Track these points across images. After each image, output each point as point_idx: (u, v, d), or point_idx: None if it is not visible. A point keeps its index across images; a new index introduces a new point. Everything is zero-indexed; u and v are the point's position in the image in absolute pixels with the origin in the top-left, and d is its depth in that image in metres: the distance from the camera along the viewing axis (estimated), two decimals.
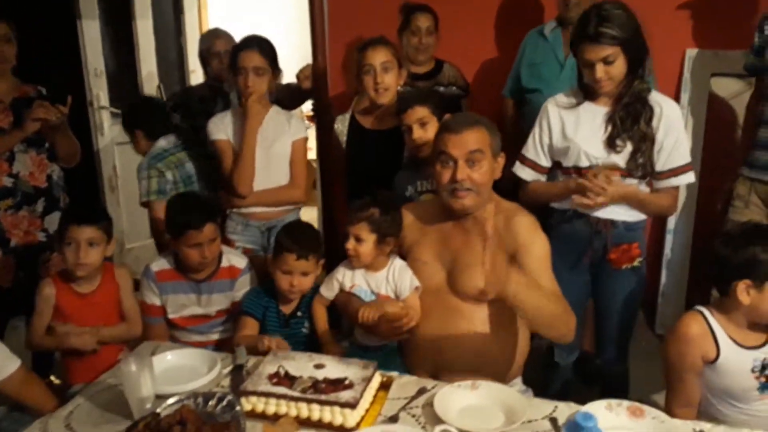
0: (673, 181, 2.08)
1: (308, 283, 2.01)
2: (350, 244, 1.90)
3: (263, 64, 2.34)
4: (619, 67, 1.95)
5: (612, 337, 2.23)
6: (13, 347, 1.80)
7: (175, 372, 1.70)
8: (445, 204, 1.84)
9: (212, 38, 2.93)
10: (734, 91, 3.17)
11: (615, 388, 2.17)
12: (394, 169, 2.29)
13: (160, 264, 2.15)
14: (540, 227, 1.85)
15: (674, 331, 1.70)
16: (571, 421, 1.38)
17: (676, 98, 3.20)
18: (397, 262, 1.95)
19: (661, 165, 2.05)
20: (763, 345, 1.65)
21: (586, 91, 2.08)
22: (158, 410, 1.47)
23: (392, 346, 1.95)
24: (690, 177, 2.08)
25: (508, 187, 2.19)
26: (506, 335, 1.85)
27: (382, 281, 1.94)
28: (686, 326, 1.67)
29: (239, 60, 2.34)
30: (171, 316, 2.13)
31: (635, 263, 2.11)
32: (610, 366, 2.27)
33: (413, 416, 1.52)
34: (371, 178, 2.23)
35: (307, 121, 2.67)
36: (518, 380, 1.93)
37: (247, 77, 2.32)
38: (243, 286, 2.16)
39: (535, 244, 1.81)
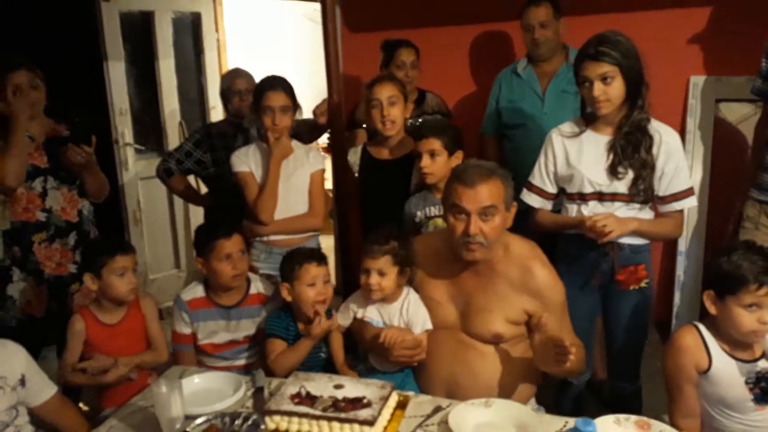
0: (676, 206, 2.16)
1: (331, 291, 2.09)
2: (374, 279, 1.94)
3: (287, 102, 2.48)
4: (617, 88, 2.03)
5: (623, 356, 2.28)
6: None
7: (202, 394, 1.79)
8: (457, 253, 1.86)
9: (233, 77, 3.08)
10: (742, 115, 3.25)
11: (628, 407, 2.19)
12: (404, 197, 2.40)
13: (191, 293, 2.24)
14: (555, 274, 1.90)
15: (670, 343, 1.78)
16: (571, 428, 1.44)
17: (682, 124, 3.30)
18: (412, 296, 2.00)
19: (663, 190, 2.13)
20: (757, 359, 1.71)
21: (588, 120, 2.18)
22: (187, 429, 1.56)
23: (407, 371, 2.01)
24: (692, 201, 2.16)
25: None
26: (519, 368, 1.90)
27: (395, 313, 2.00)
28: (680, 338, 1.75)
29: (265, 99, 2.47)
30: (201, 342, 2.22)
31: (642, 284, 2.17)
32: (623, 385, 2.32)
33: None
34: (383, 206, 2.34)
35: (323, 153, 2.78)
36: (532, 401, 1.99)
37: (275, 116, 2.46)
38: (270, 311, 2.24)
39: (554, 296, 1.87)
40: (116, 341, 2.17)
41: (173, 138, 4.14)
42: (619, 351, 2.28)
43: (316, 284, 2.05)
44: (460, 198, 1.80)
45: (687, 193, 2.15)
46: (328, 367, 2.06)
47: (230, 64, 4.63)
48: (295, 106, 2.53)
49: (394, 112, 2.45)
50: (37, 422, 1.95)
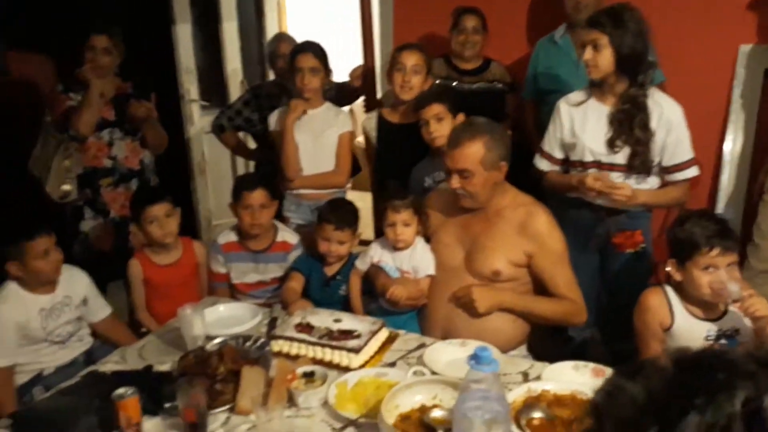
0: (679, 176, 2.26)
1: (343, 251, 2.34)
2: (400, 230, 2.16)
3: (317, 64, 2.70)
4: (605, 57, 2.13)
5: (617, 317, 2.41)
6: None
7: (224, 320, 2.10)
8: None
9: (278, 41, 3.32)
10: None
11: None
12: (417, 159, 2.57)
13: (226, 237, 2.55)
14: (556, 224, 2.06)
15: (638, 303, 1.91)
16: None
17: (728, 94, 3.27)
18: (420, 244, 2.21)
19: (666, 161, 2.23)
20: (719, 318, 1.83)
21: (594, 88, 2.28)
22: (207, 347, 1.87)
23: (412, 312, 2.25)
24: (694, 171, 2.26)
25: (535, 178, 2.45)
26: (511, 312, 2.07)
27: (405, 259, 2.22)
28: (646, 298, 1.90)
29: (297, 61, 2.71)
30: (234, 281, 2.52)
31: (638, 248, 2.29)
32: (616, 345, 2.46)
33: (408, 364, 1.83)
34: (398, 168, 2.53)
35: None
36: (522, 348, 2.17)
37: (304, 76, 2.69)
38: (294, 259, 2.50)
39: (552, 240, 2.04)
40: (171, 280, 2.49)
41: (235, 95, 4.41)
42: (613, 311, 2.42)
43: (330, 241, 2.30)
44: (446, 157, 2.05)
45: (689, 163, 2.24)
46: (346, 304, 2.31)
47: (290, 25, 4.88)
48: (326, 69, 2.75)
49: (414, 80, 2.62)
50: (95, 335, 2.35)
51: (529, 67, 3.15)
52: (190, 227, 4.03)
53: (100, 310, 2.34)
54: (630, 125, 2.18)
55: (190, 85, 4.25)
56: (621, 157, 2.22)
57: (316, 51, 2.72)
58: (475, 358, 1.21)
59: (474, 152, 1.99)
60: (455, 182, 2.02)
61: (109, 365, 1.88)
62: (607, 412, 0.57)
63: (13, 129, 3.50)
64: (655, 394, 0.53)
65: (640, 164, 2.20)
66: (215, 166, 4.54)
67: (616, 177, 2.23)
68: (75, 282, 2.27)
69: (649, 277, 2.39)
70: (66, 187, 2.89)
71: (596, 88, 2.27)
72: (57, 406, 1.60)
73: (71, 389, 1.71)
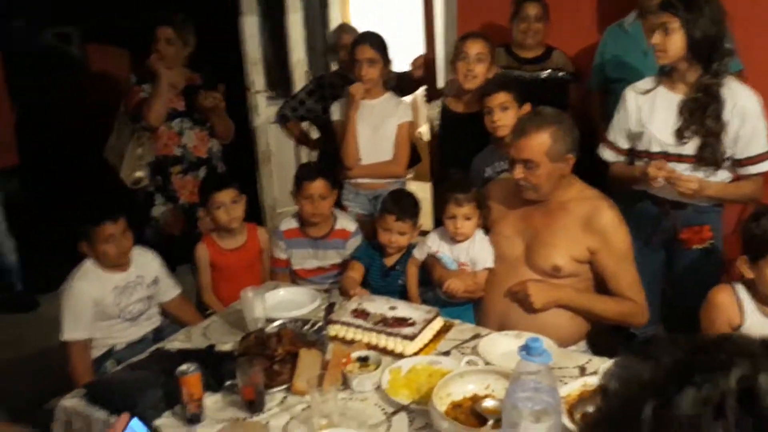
0: (752, 169, 2.15)
1: (403, 242, 2.35)
2: (460, 223, 2.14)
3: (375, 55, 2.73)
4: (676, 41, 2.04)
5: (684, 314, 2.33)
6: None
7: (284, 303, 2.16)
8: None
9: (340, 32, 3.36)
10: None
11: None
12: (479, 149, 2.55)
13: (287, 224, 2.61)
14: (623, 221, 2.00)
15: (706, 300, 1.84)
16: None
17: None
18: (479, 236, 2.19)
19: (739, 153, 2.13)
20: None
21: (664, 75, 2.19)
22: (266, 329, 1.93)
23: (468, 305, 2.24)
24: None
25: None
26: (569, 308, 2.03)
27: (463, 251, 2.21)
28: (715, 296, 1.82)
29: (356, 52, 2.75)
30: (295, 267, 2.59)
31: (706, 245, 2.21)
32: None
33: (462, 354, 1.83)
34: (459, 158, 2.53)
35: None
36: (582, 343, 2.13)
37: (362, 67, 2.72)
38: (352, 246, 2.54)
39: (617, 237, 1.98)
40: (236, 263, 2.58)
41: (299, 86, 4.46)
42: (679, 309, 2.34)
43: (391, 232, 2.31)
44: (510, 147, 2.01)
45: (763, 156, 2.13)
46: (404, 295, 2.32)
47: (353, 17, 4.92)
48: (386, 59, 2.77)
49: (478, 68, 2.60)
50: (164, 315, 2.47)
51: (596, 56, 3.06)
52: (254, 215, 4.14)
53: (170, 290, 2.46)
54: (701, 115, 2.09)
55: (257, 76, 4.36)
56: (690, 148, 2.14)
57: (375, 42, 2.74)
58: (526, 349, 1.20)
59: (540, 143, 1.95)
60: (519, 173, 1.98)
61: (175, 343, 1.97)
62: (614, 390, 0.58)
63: (91, 119, 3.70)
64: (660, 372, 0.55)
65: (709, 156, 2.11)
66: (280, 155, 4.65)
67: (684, 169, 2.15)
68: (147, 262, 2.39)
69: (718, 274, 2.30)
70: (138, 174, 3.03)
71: (666, 75, 2.19)
72: (126, 379, 1.70)
73: (140, 364, 1.81)
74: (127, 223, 2.27)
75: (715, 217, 2.24)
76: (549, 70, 3.05)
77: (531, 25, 2.99)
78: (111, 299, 2.26)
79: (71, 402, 1.66)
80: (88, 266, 2.26)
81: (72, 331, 2.18)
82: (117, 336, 2.31)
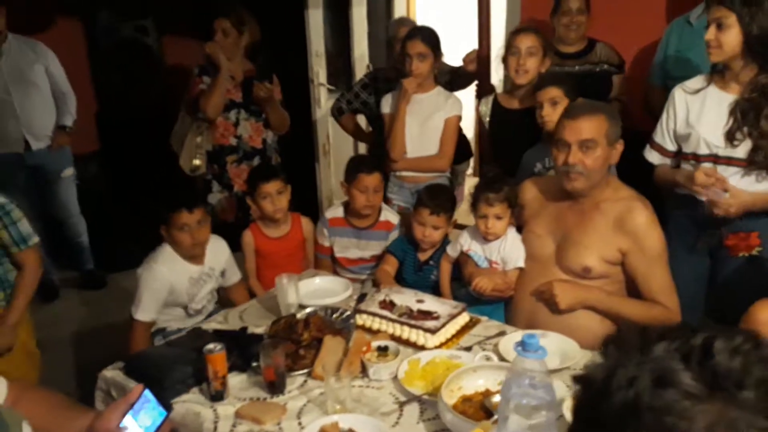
0: None
1: (438, 236, 2.37)
2: (491, 223, 2.15)
3: (425, 50, 2.75)
4: (730, 37, 1.95)
5: (725, 325, 2.24)
6: None
7: (318, 291, 2.24)
8: (560, 184, 2.02)
9: (397, 26, 3.39)
10: None
11: None
12: (530, 146, 2.52)
13: (333, 212, 2.69)
14: (657, 222, 1.95)
15: (747, 313, 1.76)
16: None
17: None
18: (510, 235, 2.19)
19: None
20: None
21: (716, 74, 2.10)
22: (298, 315, 2.01)
23: (500, 302, 2.24)
24: None
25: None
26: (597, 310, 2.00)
27: (494, 250, 2.21)
28: (756, 309, 1.73)
29: (407, 47, 2.77)
30: (337, 255, 2.66)
31: (753, 252, 2.11)
32: None
33: (483, 349, 1.85)
34: (512, 154, 2.51)
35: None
36: None
37: (412, 62, 2.75)
38: (394, 238, 2.59)
39: (650, 238, 1.93)
40: (280, 251, 2.67)
41: None
42: (720, 319, 2.24)
43: (425, 226, 2.34)
44: (563, 130, 1.95)
45: None
46: (437, 290, 2.36)
47: (418, 10, 4.93)
48: (436, 54, 2.78)
49: (529, 63, 2.56)
50: (219, 301, 2.57)
51: (658, 50, 2.96)
52: (311, 206, 4.27)
53: (234, 275, 2.55)
54: (755, 116, 1.99)
55: (319, 69, 4.45)
56: (741, 151, 2.04)
57: (426, 36, 2.76)
58: (522, 345, 1.21)
59: (599, 123, 1.92)
60: (574, 156, 1.92)
61: (212, 324, 2.09)
62: (592, 372, 0.66)
63: (164, 108, 3.90)
64: (638, 339, 0.65)
65: (762, 160, 2.01)
66: (338, 147, 4.72)
67: (734, 173, 2.06)
68: (218, 253, 2.45)
69: (764, 285, 2.18)
70: (197, 161, 3.18)
71: (718, 73, 2.10)
72: (161, 354, 1.82)
73: (177, 341, 1.93)
74: (204, 214, 2.31)
75: (765, 224, 2.13)
76: (592, 64, 2.99)
77: (574, 18, 2.94)
78: (185, 288, 2.32)
79: (111, 373, 1.79)
80: (169, 252, 2.31)
81: (144, 312, 2.25)
82: (174, 325, 2.38)
